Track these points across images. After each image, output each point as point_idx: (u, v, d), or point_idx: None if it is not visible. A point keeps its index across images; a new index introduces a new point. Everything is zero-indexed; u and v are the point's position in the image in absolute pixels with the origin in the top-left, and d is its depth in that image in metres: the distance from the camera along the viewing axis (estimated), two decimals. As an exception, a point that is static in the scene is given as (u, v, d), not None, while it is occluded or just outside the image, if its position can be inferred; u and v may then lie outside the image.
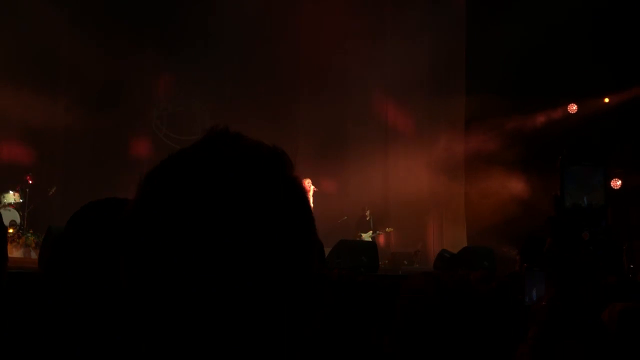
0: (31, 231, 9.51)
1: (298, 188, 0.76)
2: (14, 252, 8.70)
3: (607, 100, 11.22)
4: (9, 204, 9.56)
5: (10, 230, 8.95)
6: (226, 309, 0.69)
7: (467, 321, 1.37)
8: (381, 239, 12.36)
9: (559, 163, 1.91)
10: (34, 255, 8.83)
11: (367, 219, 12.10)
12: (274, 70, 12.99)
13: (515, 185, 11.23)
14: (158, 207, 0.71)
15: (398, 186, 12.56)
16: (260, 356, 0.71)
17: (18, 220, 9.53)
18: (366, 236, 12.01)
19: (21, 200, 9.81)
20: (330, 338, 1.94)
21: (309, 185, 9.31)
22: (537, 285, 2.05)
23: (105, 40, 11.35)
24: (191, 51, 12.65)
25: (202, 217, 0.69)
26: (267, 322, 0.71)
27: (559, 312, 1.74)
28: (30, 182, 10.05)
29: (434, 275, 1.49)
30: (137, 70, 11.92)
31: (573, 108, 11.57)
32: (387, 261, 11.03)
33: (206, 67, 12.69)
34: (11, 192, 9.72)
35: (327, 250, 6.52)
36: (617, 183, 10.52)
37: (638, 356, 1.93)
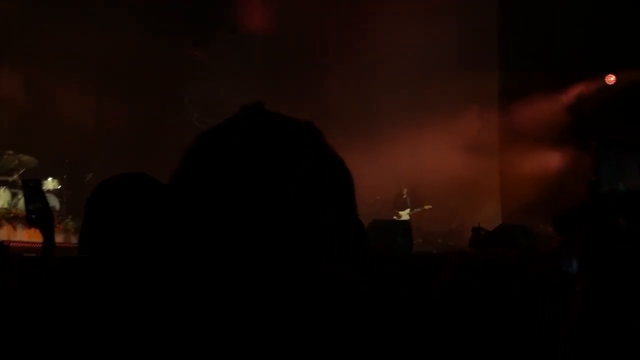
0: (70, 217, 9.73)
1: (337, 158, 0.76)
2: (56, 238, 8.92)
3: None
4: (48, 190, 9.79)
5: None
6: (271, 280, 0.69)
7: (510, 298, 1.35)
8: (416, 218, 12.31)
9: (594, 149, 1.87)
10: (74, 240, 9.05)
11: (404, 197, 12.07)
12: (301, 49, 12.95)
13: (551, 162, 11.03)
14: (201, 180, 0.72)
15: (431, 164, 12.45)
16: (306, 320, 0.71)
17: (57, 206, 9.75)
18: (404, 214, 12.01)
19: (59, 187, 10.03)
20: (365, 314, 1.94)
21: None
22: (573, 255, 2.01)
23: (137, 27, 11.46)
24: (219, 34, 12.69)
25: (245, 188, 0.69)
26: (310, 294, 0.71)
27: (590, 308, 1.70)
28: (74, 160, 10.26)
29: (481, 253, 1.47)
30: (167, 56, 12.03)
31: (611, 79, 11.26)
32: (420, 240, 10.98)
33: (233, 49, 12.71)
34: (50, 179, 9.94)
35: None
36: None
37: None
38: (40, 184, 2.26)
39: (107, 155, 11.15)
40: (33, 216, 2.10)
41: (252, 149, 0.71)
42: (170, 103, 12.54)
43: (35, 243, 8.26)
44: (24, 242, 8.04)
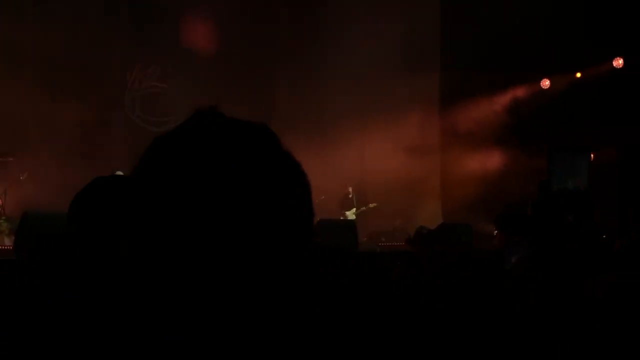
0: (4, 217, 9.35)
1: (294, 161, 0.77)
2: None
3: (579, 75, 11.35)
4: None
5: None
6: (225, 285, 0.68)
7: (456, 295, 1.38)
8: (361, 217, 12.43)
9: (547, 151, 1.94)
10: (7, 241, 8.68)
11: (350, 196, 12.16)
12: (247, 49, 12.90)
13: (491, 162, 11.37)
14: (156, 185, 0.71)
15: (375, 164, 12.61)
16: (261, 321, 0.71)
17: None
18: (350, 214, 12.10)
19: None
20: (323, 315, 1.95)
21: None
22: (516, 253, 2.08)
23: (78, 24, 11.19)
24: (163, 32, 12.48)
25: (202, 193, 0.69)
26: (269, 295, 0.70)
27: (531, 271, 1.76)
28: (9, 159, 9.89)
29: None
30: (109, 55, 11.77)
31: (546, 83, 11.70)
32: (365, 239, 11.10)
33: (178, 48, 12.53)
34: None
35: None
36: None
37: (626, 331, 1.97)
38: None
39: (45, 153, 10.77)
40: None
41: (208, 153, 0.71)
42: (112, 101, 12.23)
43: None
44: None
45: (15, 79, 10.88)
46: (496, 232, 3.99)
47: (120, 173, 10.63)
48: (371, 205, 12.28)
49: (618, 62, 10.98)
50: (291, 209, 0.73)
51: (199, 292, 0.69)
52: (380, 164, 12.39)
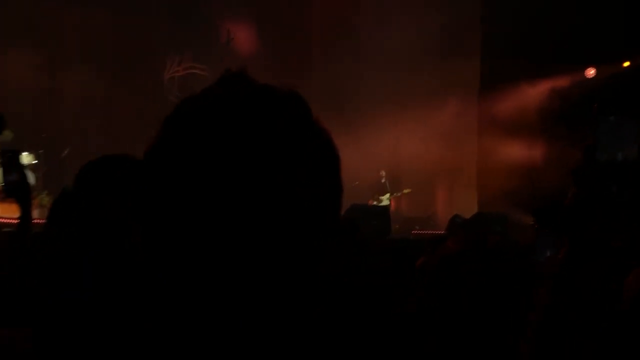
0: (46, 192, 9.60)
1: (321, 129, 0.72)
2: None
3: (626, 64, 10.98)
4: (23, 165, 9.63)
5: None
6: (247, 258, 0.64)
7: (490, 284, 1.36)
8: (393, 203, 12.37)
9: (594, 112, 1.86)
10: (49, 215, 8.93)
11: (383, 181, 12.10)
12: (285, 29, 12.89)
13: (529, 151, 11.13)
14: (178, 149, 0.67)
15: (410, 150, 12.50)
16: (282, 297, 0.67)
17: (33, 181, 9.60)
18: (384, 199, 12.04)
19: (35, 162, 9.89)
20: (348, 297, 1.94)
21: None
22: (549, 247, 2.03)
23: (117, 5, 11.36)
24: (203, 17, 12.59)
25: (225, 159, 0.65)
26: (290, 270, 0.66)
27: (569, 270, 1.72)
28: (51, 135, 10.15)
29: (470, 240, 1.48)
30: (148, 36, 11.92)
31: (591, 72, 11.35)
32: (398, 226, 11.06)
33: (216, 27, 12.61)
34: (25, 153, 9.78)
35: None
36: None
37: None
38: (18, 155, 2.20)
39: (85, 130, 11.02)
40: (9, 187, 2.04)
41: (233, 120, 0.67)
42: (151, 80, 12.41)
43: (10, 218, 8.16)
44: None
45: (62, 61, 11.13)
46: (533, 223, 3.91)
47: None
48: (405, 191, 12.19)
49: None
50: (318, 183, 0.68)
51: (213, 284, 0.65)
52: (415, 150, 12.28)
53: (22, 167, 2.07)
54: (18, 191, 1.97)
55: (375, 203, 11.77)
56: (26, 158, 9.76)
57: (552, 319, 1.63)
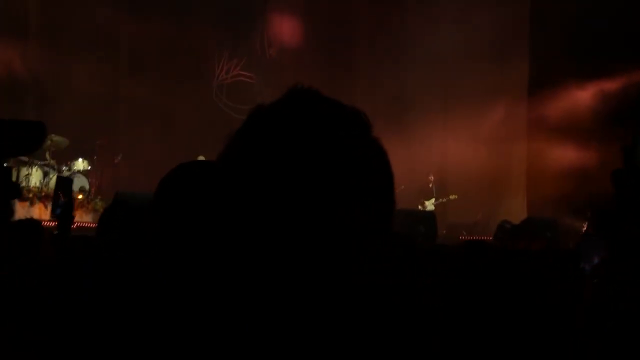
0: (99, 197, 9.91)
1: (381, 148, 0.77)
2: (84, 217, 9.11)
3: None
4: (78, 171, 9.97)
5: (80, 196, 9.34)
6: (304, 263, 0.69)
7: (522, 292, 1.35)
8: (440, 208, 12.22)
9: (634, 116, 1.81)
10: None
11: (430, 186, 11.96)
12: (332, 33, 12.94)
13: (579, 156, 10.83)
14: (246, 162, 0.72)
15: (458, 154, 12.33)
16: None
17: (87, 187, 9.93)
18: (429, 204, 11.90)
19: (89, 167, 10.21)
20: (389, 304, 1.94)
21: None
22: (597, 252, 1.99)
23: (169, 13, 11.65)
24: (251, 25, 12.79)
25: (288, 174, 0.69)
26: (344, 277, 0.70)
27: (612, 273, 1.68)
28: (105, 142, 10.45)
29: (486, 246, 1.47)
30: (198, 42, 12.18)
31: (645, 73, 10.98)
32: (444, 231, 10.92)
33: (264, 40, 12.78)
34: (80, 160, 10.12)
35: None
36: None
37: None
38: (71, 183, 2.37)
39: (137, 138, 11.30)
40: (58, 211, 2.22)
41: (302, 136, 0.71)
42: (196, 86, 12.63)
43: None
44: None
45: (110, 65, 11.47)
46: (584, 228, 3.82)
47: (202, 158, 11.00)
48: (451, 197, 12.02)
49: None
50: (373, 199, 0.73)
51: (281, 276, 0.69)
52: (463, 154, 12.11)
53: (71, 195, 2.26)
54: (63, 216, 2.13)
55: (420, 208, 11.65)
56: (81, 164, 10.10)
57: (596, 320, 1.60)
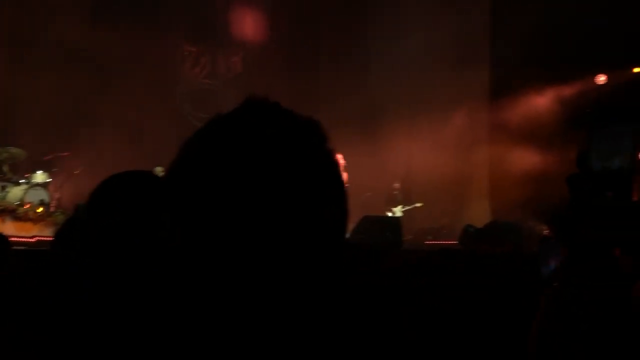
0: (60, 210, 9.69)
1: (332, 161, 0.77)
2: (45, 231, 8.88)
3: (637, 70, 10.92)
4: (37, 184, 9.74)
5: (40, 209, 9.12)
6: (255, 275, 0.69)
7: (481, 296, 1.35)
8: (406, 214, 12.33)
9: (588, 117, 1.86)
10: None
11: (396, 193, 12.06)
12: (295, 42, 12.97)
13: (540, 160, 11.07)
14: (197, 172, 0.72)
15: (422, 160, 12.47)
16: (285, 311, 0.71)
17: (47, 199, 9.70)
18: (397, 210, 12.01)
19: (49, 180, 9.99)
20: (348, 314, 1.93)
21: (340, 159, 9.27)
22: (554, 256, 2.02)
23: (133, 21, 11.52)
24: (213, 28, 12.71)
25: (239, 183, 0.70)
26: (294, 290, 0.71)
27: (573, 277, 1.70)
28: (66, 154, 10.27)
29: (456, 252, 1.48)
30: (160, 50, 12.05)
31: (601, 79, 11.30)
32: (411, 236, 11.01)
33: (227, 47, 12.73)
34: (39, 172, 9.89)
35: (350, 227, 6.50)
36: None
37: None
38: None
39: (97, 148, 11.11)
40: None
41: (248, 148, 0.71)
42: (162, 96, 12.50)
43: (23, 237, 8.22)
44: (12, 236, 7.99)
45: (68, 77, 11.26)
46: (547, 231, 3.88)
47: (160, 169, 10.88)
48: (418, 205, 12.15)
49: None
50: (323, 212, 0.73)
51: (213, 291, 0.70)
52: (428, 161, 12.25)
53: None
54: None
55: (389, 214, 11.74)
56: (40, 177, 9.87)
57: (551, 326, 1.62)
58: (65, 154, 10.39)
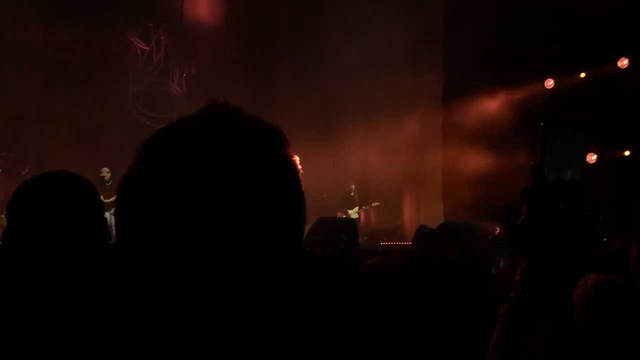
0: (5, 213, 9.36)
1: (290, 167, 0.78)
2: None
3: (583, 75, 11.30)
4: (-18, 185, 9.40)
5: (-16, 212, 8.81)
6: (212, 281, 0.69)
7: (438, 295, 1.37)
8: (362, 216, 12.41)
9: (540, 132, 1.90)
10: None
11: (352, 194, 12.12)
12: (253, 42, 12.92)
13: (492, 161, 11.32)
14: (153, 176, 0.72)
15: (377, 162, 12.59)
16: (243, 319, 0.72)
17: (-8, 202, 9.36)
18: (353, 212, 12.08)
19: (-6, 181, 9.66)
20: (310, 315, 1.94)
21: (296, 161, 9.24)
22: (503, 256, 2.07)
23: (82, 19, 11.25)
24: (167, 27, 12.52)
25: (195, 189, 0.70)
26: (254, 294, 0.72)
27: (529, 287, 1.75)
28: (12, 155, 9.96)
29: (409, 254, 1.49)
30: (112, 48, 11.80)
31: (550, 83, 11.64)
32: (366, 237, 11.09)
33: (181, 42, 12.55)
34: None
35: (306, 229, 6.46)
36: (592, 158, 10.65)
37: (612, 329, 1.95)
38: None
39: (46, 147, 10.80)
40: None
41: (206, 153, 0.72)
42: (112, 95, 12.24)
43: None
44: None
45: (16, 76, 10.94)
46: (498, 231, 3.97)
47: (106, 170, 10.66)
48: (374, 204, 12.26)
49: (623, 63, 10.93)
50: (281, 217, 0.74)
51: (186, 294, 0.70)
52: (382, 162, 12.37)
53: None
54: None
55: (344, 217, 11.79)
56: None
57: (511, 338, 1.65)
58: (11, 154, 10.05)
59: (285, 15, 13.54)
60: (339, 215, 11.78)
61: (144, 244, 0.71)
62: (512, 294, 1.69)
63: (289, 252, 0.75)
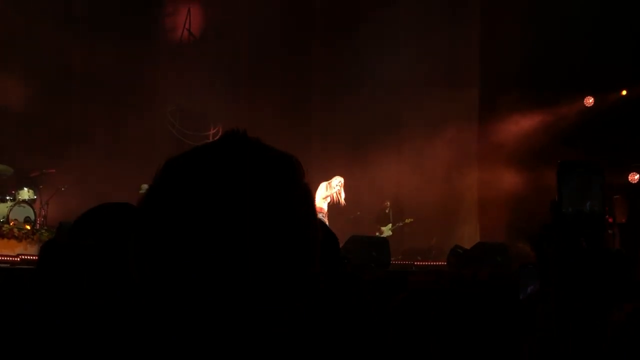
0: (45, 228, 9.58)
1: (307, 194, 0.80)
2: (29, 249, 8.76)
3: (624, 92, 11.05)
4: (24, 201, 9.65)
5: (25, 227, 9.02)
6: (228, 303, 0.71)
7: (466, 317, 1.34)
8: (397, 233, 12.30)
9: (557, 168, 1.87)
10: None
11: (387, 211, 12.05)
12: (286, 67, 13.06)
13: (530, 181, 11.10)
14: (173, 197, 0.74)
15: (412, 182, 12.49)
16: (262, 345, 0.74)
17: (32, 217, 9.60)
18: (386, 229, 12.00)
19: (35, 197, 9.90)
20: (333, 335, 1.92)
21: (340, 183, 9.29)
22: (532, 281, 2.02)
23: (120, 39, 11.53)
24: (204, 47, 12.76)
25: (213, 213, 0.72)
26: (265, 318, 0.73)
27: (556, 316, 1.70)
28: (52, 171, 10.21)
29: (438, 274, 1.46)
30: (151, 68, 12.06)
31: (590, 101, 11.41)
32: (400, 256, 10.98)
33: (219, 64, 12.76)
34: (25, 189, 9.81)
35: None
36: (634, 177, 10.36)
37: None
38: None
39: (84, 165, 11.04)
40: None
41: (224, 179, 0.74)
42: (151, 111, 12.46)
43: (7, 255, 8.12)
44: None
45: (59, 94, 11.24)
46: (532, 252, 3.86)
47: (145, 187, 10.80)
48: (407, 220, 12.15)
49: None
50: (293, 247, 0.75)
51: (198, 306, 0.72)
52: (417, 182, 12.27)
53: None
54: None
55: (377, 234, 11.71)
56: (26, 194, 9.78)
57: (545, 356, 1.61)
58: (52, 170, 10.30)
59: (319, 32, 13.65)
60: (375, 233, 11.70)
61: (159, 259, 0.72)
62: (537, 322, 1.65)
63: (297, 270, 0.76)
